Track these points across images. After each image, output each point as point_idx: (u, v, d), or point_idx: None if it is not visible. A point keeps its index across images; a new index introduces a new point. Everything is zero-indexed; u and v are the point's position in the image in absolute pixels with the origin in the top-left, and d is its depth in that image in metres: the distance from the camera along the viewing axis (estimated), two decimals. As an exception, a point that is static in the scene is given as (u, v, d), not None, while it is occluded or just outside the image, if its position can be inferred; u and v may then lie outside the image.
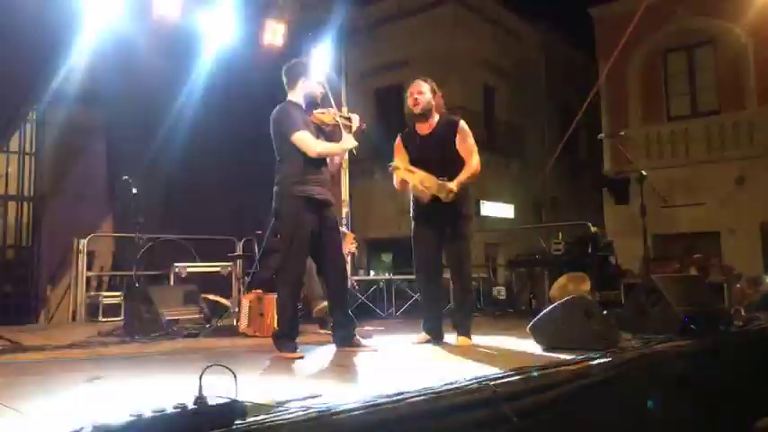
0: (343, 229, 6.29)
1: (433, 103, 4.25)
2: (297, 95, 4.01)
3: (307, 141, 3.82)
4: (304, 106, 4.01)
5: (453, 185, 3.96)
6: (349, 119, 4.09)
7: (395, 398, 2.08)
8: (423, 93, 4.23)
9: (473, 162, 4.13)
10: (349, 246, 5.85)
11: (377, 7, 15.86)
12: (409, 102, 4.28)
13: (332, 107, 4.15)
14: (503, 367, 2.74)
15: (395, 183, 4.27)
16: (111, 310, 6.81)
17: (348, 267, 5.91)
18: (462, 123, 4.23)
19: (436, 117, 4.26)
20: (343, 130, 4.00)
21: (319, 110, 4.05)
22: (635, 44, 13.37)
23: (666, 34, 14.38)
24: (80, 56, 7.93)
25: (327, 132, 4.06)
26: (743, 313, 5.10)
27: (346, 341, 3.93)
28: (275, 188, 3.91)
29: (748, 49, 13.47)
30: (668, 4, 13.53)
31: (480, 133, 14.46)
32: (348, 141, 3.98)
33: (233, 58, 8.12)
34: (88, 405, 2.29)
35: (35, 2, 6.45)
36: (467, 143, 4.17)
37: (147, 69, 7.69)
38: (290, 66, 4.08)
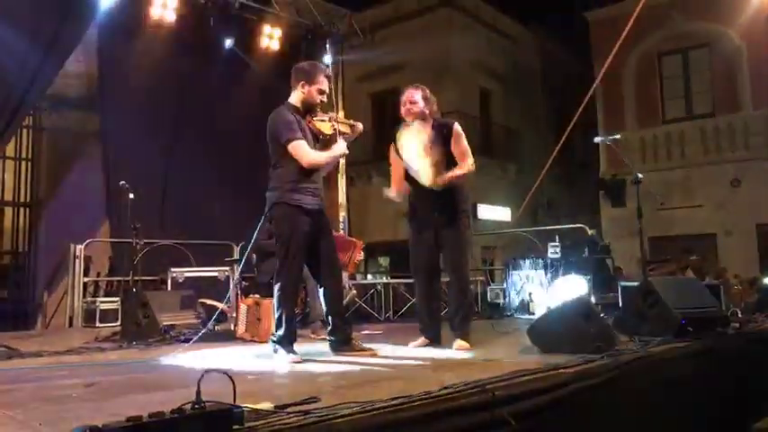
0: (351, 238, 6.26)
1: (426, 110, 4.24)
2: (296, 98, 3.95)
3: (302, 151, 3.77)
4: (302, 109, 3.94)
5: (445, 177, 3.98)
6: (352, 126, 4.04)
7: (393, 402, 2.08)
8: (415, 102, 4.23)
9: (467, 162, 4.16)
10: (358, 255, 5.82)
11: (373, 12, 15.89)
12: (402, 110, 4.28)
13: (332, 112, 4.06)
14: (501, 370, 2.74)
15: (389, 195, 4.30)
16: (108, 315, 6.79)
17: (346, 274, 5.89)
18: (456, 126, 4.24)
19: (430, 122, 4.26)
20: (339, 138, 3.92)
21: (318, 117, 3.95)
22: (630, 47, 13.42)
23: (662, 37, 14.45)
24: (77, 61, 7.95)
25: (324, 141, 3.98)
26: (740, 315, 5.11)
27: (343, 345, 3.92)
28: (268, 193, 3.89)
29: (742, 51, 13.55)
30: (663, 7, 13.59)
31: (476, 137, 14.49)
32: (338, 148, 3.92)
33: (230, 63, 8.14)
34: (85, 410, 2.29)
35: (31, 8, 6.46)
36: (461, 145, 4.19)
37: (144, 75, 7.71)
38: (297, 67, 4.02)
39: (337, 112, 4.24)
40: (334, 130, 3.93)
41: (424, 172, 4.02)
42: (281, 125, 3.81)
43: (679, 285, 4.58)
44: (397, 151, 4.28)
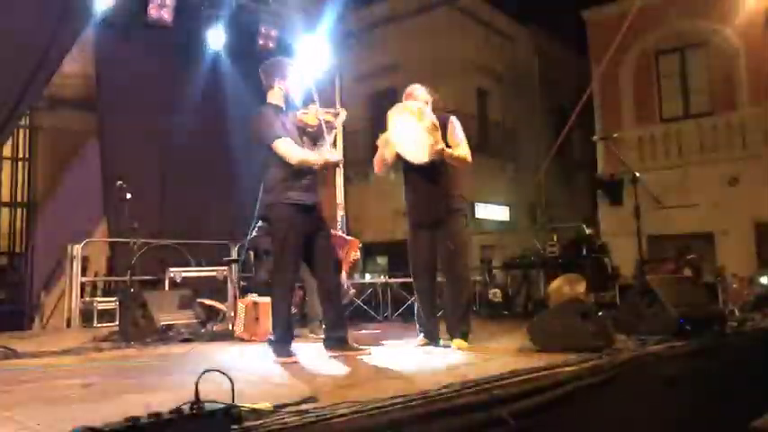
0: (348, 236, 6.27)
1: (429, 101, 4.31)
2: (275, 97, 3.95)
3: (288, 149, 3.75)
4: (285, 107, 3.94)
5: (440, 147, 3.98)
6: (335, 114, 4.07)
7: (391, 402, 2.08)
8: (416, 93, 4.30)
9: (462, 149, 4.18)
10: (353, 253, 5.83)
11: (370, 11, 15.88)
12: (403, 98, 4.33)
13: (315, 104, 4.03)
14: (499, 369, 2.74)
15: (382, 157, 4.29)
16: (106, 315, 6.78)
17: (344, 273, 5.88)
18: (452, 118, 4.33)
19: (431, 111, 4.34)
20: (325, 130, 3.94)
21: (302, 110, 3.98)
22: (628, 46, 13.42)
23: (659, 36, 14.45)
24: (74, 61, 7.93)
25: (312, 133, 4.00)
26: (737, 313, 5.13)
27: (339, 344, 3.89)
28: (262, 194, 3.88)
29: (739, 50, 13.55)
30: (660, 6, 13.60)
31: (474, 136, 14.48)
32: (332, 155, 3.96)
33: (227, 62, 8.13)
34: (83, 411, 2.29)
35: (29, 6, 6.44)
36: (455, 135, 4.24)
37: (141, 75, 7.69)
38: (266, 66, 4.01)
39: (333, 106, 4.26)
40: (320, 120, 3.94)
41: (419, 144, 4.00)
42: (264, 126, 3.80)
43: (677, 284, 4.59)
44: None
